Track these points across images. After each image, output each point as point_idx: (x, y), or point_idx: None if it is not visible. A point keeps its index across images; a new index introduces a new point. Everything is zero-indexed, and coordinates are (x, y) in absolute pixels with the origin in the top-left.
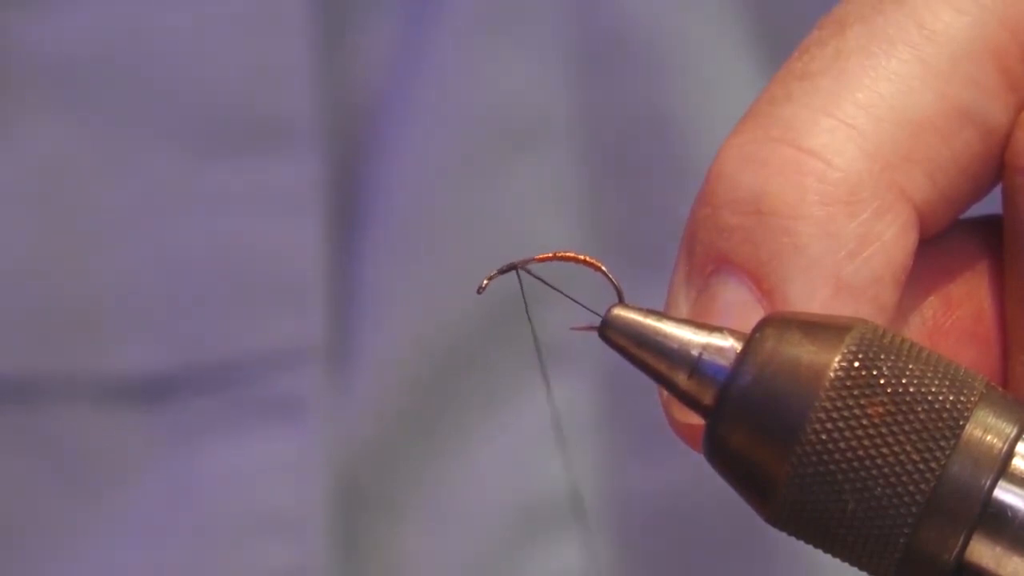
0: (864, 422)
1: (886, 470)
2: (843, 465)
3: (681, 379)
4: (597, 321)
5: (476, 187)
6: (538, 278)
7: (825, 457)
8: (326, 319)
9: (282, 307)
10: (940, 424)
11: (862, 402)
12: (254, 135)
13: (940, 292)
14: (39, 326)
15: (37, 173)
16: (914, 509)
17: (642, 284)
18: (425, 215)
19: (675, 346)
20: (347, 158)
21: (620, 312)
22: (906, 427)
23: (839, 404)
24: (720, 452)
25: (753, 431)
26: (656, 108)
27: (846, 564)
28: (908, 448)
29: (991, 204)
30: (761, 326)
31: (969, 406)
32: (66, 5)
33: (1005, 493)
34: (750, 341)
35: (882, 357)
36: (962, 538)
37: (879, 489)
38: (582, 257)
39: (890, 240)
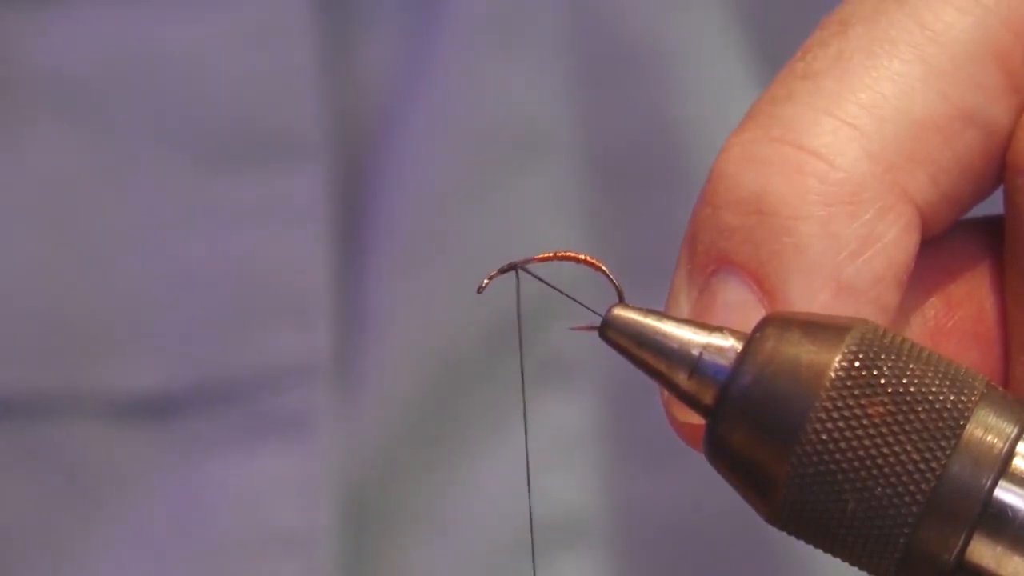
0: (864, 422)
1: (886, 470)
2: (843, 465)
3: (681, 379)
4: (598, 321)
5: (480, 200)
6: (538, 278)
7: (825, 457)
8: (332, 335)
9: (288, 323)
10: (940, 424)
11: (862, 402)
12: (260, 149)
13: (941, 292)
14: (46, 342)
15: (44, 188)
16: (914, 509)
17: (644, 294)
18: (430, 229)
19: (675, 346)
20: (352, 172)
21: (620, 312)
22: (907, 427)
23: (839, 404)
24: (720, 452)
25: (753, 431)
26: (659, 119)
27: (847, 565)
28: (908, 448)
29: (993, 205)
30: (761, 326)
31: (970, 406)
32: (73, 20)
33: (1006, 493)
34: (750, 341)
35: (882, 357)
36: (962, 538)
37: (879, 489)
38: (583, 257)
39: (892, 241)
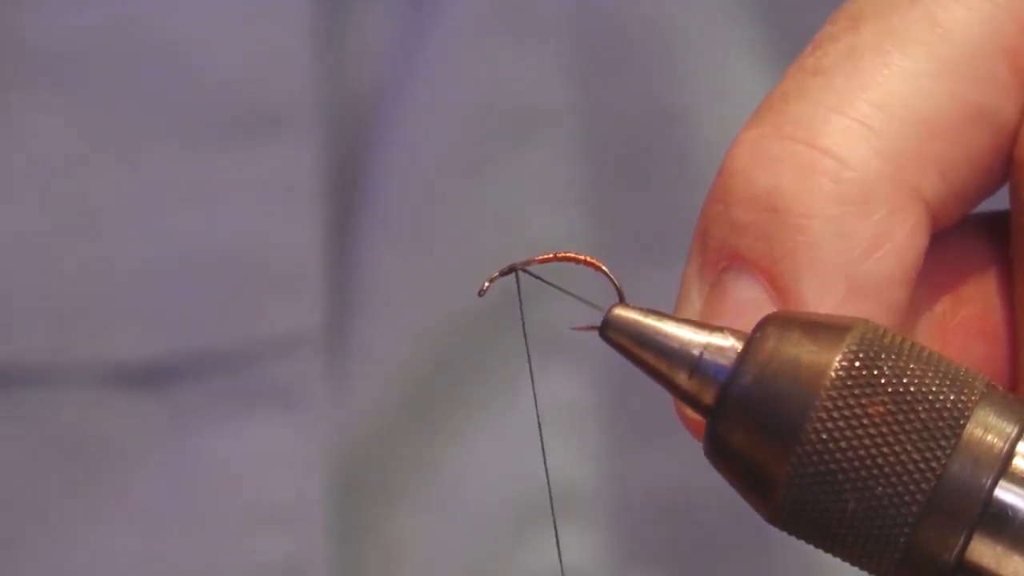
0: (865, 422)
1: (887, 470)
2: (844, 465)
3: (682, 379)
4: (598, 321)
5: (476, 177)
6: (538, 278)
7: (826, 457)
8: (324, 308)
9: (280, 296)
10: (941, 424)
11: (863, 402)
12: (254, 124)
13: (949, 288)
14: (38, 313)
15: (37, 162)
16: (915, 509)
17: (644, 276)
18: (424, 205)
19: (676, 346)
20: (347, 147)
21: (621, 312)
22: (907, 427)
23: (840, 404)
24: (720, 451)
25: (753, 430)
26: (657, 100)
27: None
28: (909, 448)
29: (999, 202)
30: (762, 325)
31: (970, 405)
32: None
33: (1006, 493)
34: (751, 341)
35: (883, 357)
36: (963, 538)
37: (880, 489)
38: (583, 257)
39: (902, 240)
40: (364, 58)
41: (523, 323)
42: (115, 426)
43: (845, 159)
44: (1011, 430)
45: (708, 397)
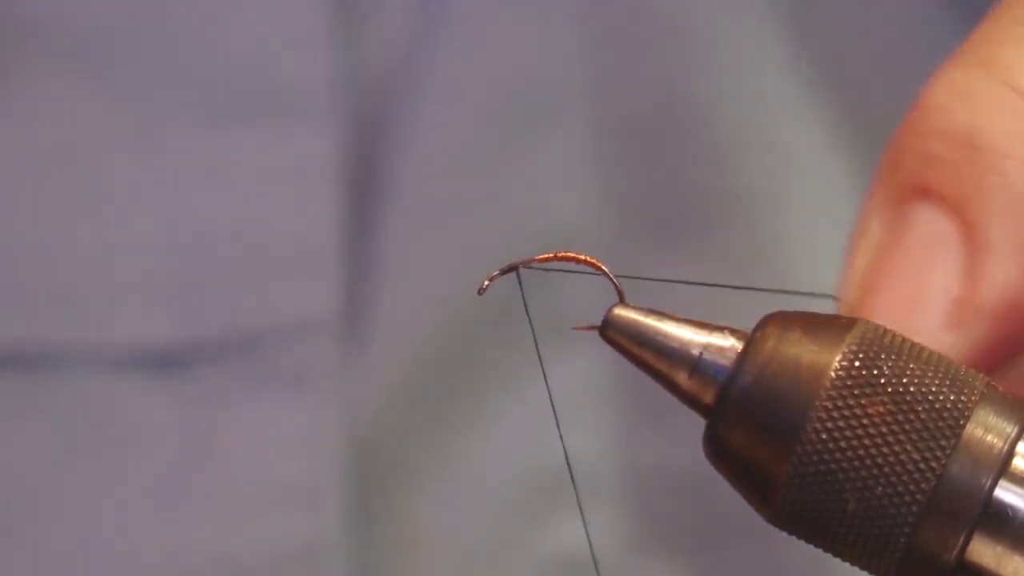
0: (865, 422)
1: (887, 469)
2: (844, 464)
3: (682, 378)
4: (598, 321)
5: (493, 160)
6: (539, 271)
7: (826, 456)
8: (341, 291)
9: (297, 278)
10: (941, 424)
11: (863, 402)
12: (272, 105)
13: None
14: (56, 295)
15: (57, 142)
16: (915, 509)
17: (659, 261)
18: (441, 188)
19: (676, 345)
20: (364, 130)
21: (621, 312)
22: (907, 427)
23: (840, 404)
24: (720, 451)
25: (754, 430)
26: (672, 82)
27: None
28: (909, 448)
29: None
30: (762, 325)
31: (970, 406)
32: None
33: (1006, 493)
34: (751, 340)
35: (883, 357)
36: (963, 538)
37: (880, 488)
38: (583, 257)
39: None
40: (382, 42)
41: (530, 320)
42: (131, 409)
43: None
44: (1011, 430)
45: (708, 397)
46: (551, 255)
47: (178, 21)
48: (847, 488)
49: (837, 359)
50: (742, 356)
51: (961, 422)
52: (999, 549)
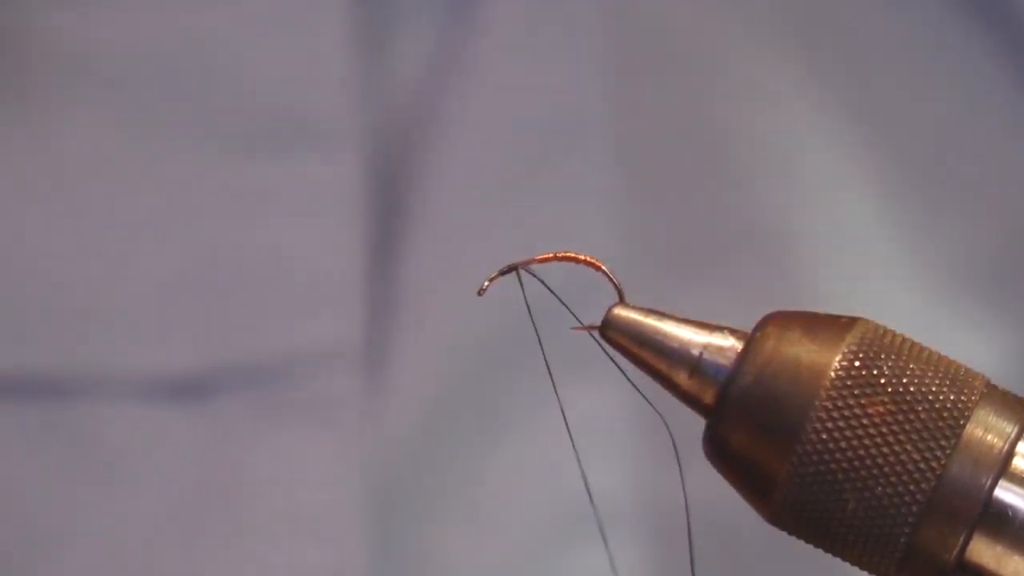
0: (865, 421)
1: (887, 469)
2: (844, 464)
3: (682, 378)
4: (599, 321)
5: (515, 190)
6: (537, 278)
7: (826, 456)
8: (364, 321)
9: (321, 308)
10: (941, 424)
11: (863, 401)
12: (295, 135)
13: None
14: (78, 323)
15: (79, 171)
16: (915, 508)
17: (680, 286)
18: (464, 218)
19: (676, 345)
20: (387, 160)
21: (621, 312)
22: (907, 427)
23: (840, 403)
24: (721, 451)
25: (754, 430)
26: (694, 113)
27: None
28: (909, 448)
29: None
30: (762, 325)
31: (970, 405)
32: (110, 4)
33: (1005, 492)
34: (751, 340)
35: (883, 356)
36: (963, 538)
37: (880, 488)
38: (582, 257)
39: None
40: (404, 72)
41: (531, 318)
42: (153, 437)
43: None
44: (1011, 430)
45: (708, 397)
46: (551, 255)
47: (202, 50)
48: (847, 488)
49: (837, 359)
50: (742, 356)
51: (961, 422)
52: (999, 549)
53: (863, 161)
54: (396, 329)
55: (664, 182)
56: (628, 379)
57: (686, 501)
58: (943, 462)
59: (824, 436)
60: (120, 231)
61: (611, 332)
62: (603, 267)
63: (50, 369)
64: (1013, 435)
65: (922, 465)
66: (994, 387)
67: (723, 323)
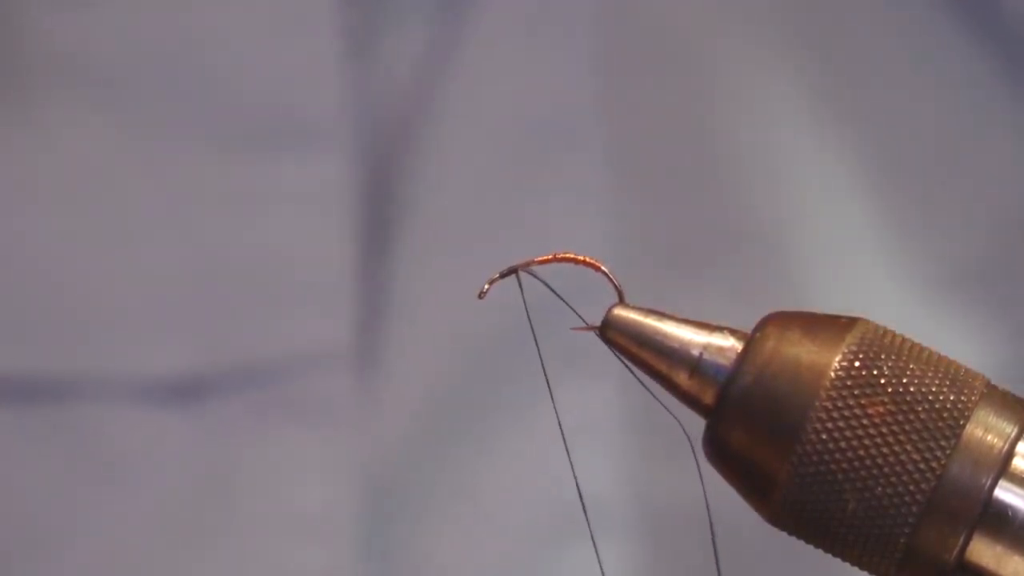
0: (865, 422)
1: (887, 470)
2: (844, 465)
3: (682, 379)
4: (598, 321)
5: (508, 190)
6: (539, 279)
7: (826, 457)
8: (357, 321)
9: (313, 309)
10: (941, 424)
11: (863, 402)
12: (287, 137)
13: None
14: (72, 325)
15: (73, 171)
16: (915, 509)
17: (679, 286)
18: (457, 218)
19: (676, 346)
20: (379, 159)
21: (620, 312)
22: (907, 427)
23: (840, 404)
24: (720, 451)
25: (754, 431)
26: (689, 113)
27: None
28: (909, 448)
29: None
30: (762, 325)
31: (970, 406)
32: (103, 5)
33: (1005, 493)
34: (751, 340)
35: (883, 357)
36: (963, 538)
37: (880, 489)
38: (582, 258)
39: None
40: (396, 71)
41: (529, 320)
42: (147, 438)
43: None
44: (1011, 430)
45: (708, 397)
46: (550, 256)
47: (196, 51)
48: (847, 488)
49: (837, 359)
50: (742, 356)
51: (961, 422)
52: (999, 549)
53: (860, 161)
54: (391, 330)
55: (662, 182)
56: (641, 382)
57: (707, 501)
58: (943, 462)
59: (824, 436)
60: (113, 233)
61: (611, 332)
62: (603, 267)
63: (49, 370)
64: (1013, 435)
65: (922, 465)
66: (994, 387)
67: (723, 323)
